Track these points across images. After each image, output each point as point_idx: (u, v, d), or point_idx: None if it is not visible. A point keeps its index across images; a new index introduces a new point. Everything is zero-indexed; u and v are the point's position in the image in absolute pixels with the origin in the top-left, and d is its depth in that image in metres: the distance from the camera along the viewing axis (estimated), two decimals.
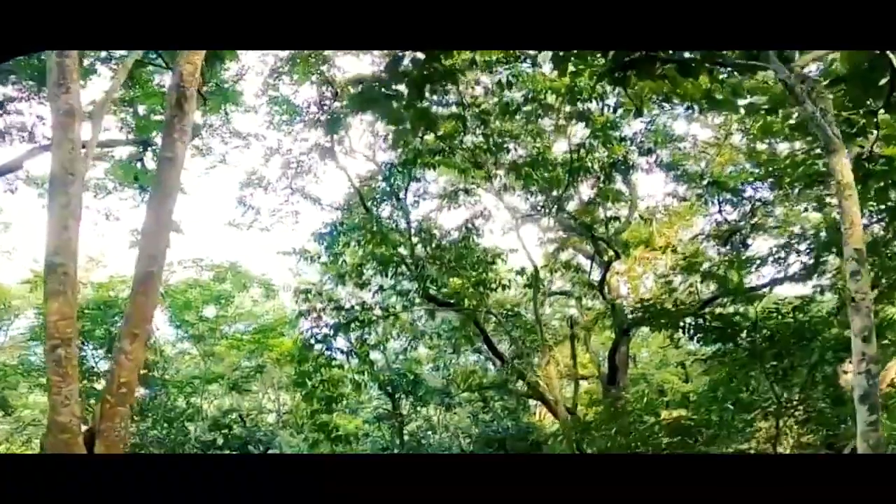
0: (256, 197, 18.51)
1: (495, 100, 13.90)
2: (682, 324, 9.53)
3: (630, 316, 10.01)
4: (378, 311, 15.27)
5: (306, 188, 18.31)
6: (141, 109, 17.71)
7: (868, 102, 8.45)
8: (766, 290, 13.21)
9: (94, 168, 18.64)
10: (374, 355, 18.79)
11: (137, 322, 6.63)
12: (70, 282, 6.52)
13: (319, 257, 15.31)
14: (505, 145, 13.99)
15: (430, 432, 22.13)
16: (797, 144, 11.21)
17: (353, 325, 14.46)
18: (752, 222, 12.70)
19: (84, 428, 6.82)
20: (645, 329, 23.83)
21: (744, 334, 9.34)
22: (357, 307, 14.98)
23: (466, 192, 14.87)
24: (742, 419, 9.22)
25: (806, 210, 12.18)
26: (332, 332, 14.62)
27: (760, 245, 12.44)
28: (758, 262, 12.08)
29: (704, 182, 12.01)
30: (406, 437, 20.80)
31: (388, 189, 16.55)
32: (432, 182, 17.69)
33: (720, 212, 13.36)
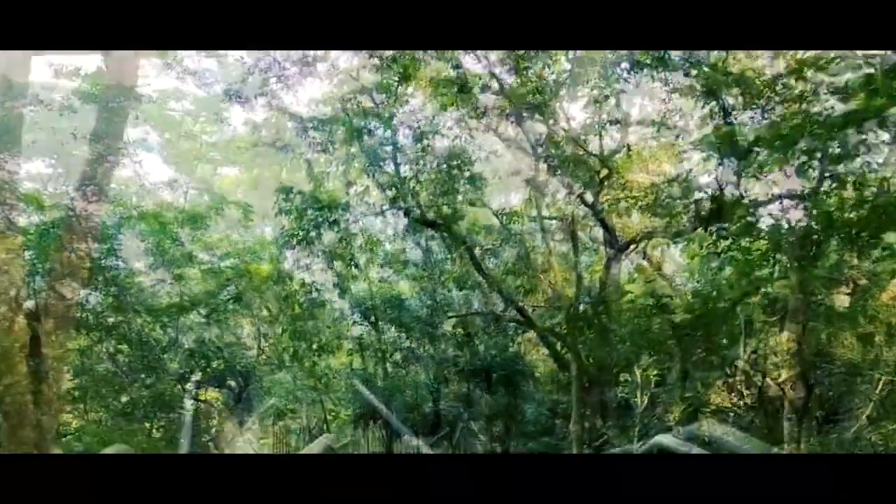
0: (234, 114, 17.65)
1: None
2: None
3: (639, 203, 9.30)
4: (361, 209, 14.51)
5: (287, 105, 17.46)
6: None
7: None
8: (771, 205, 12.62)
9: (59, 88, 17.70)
10: (357, 287, 18.14)
11: None
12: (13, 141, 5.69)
13: (301, 150, 14.50)
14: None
15: (414, 364, 21.61)
16: None
17: (335, 226, 13.70)
18: (763, 124, 11.90)
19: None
20: (630, 264, 23.54)
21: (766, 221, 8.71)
22: (340, 206, 14.22)
23: (462, 88, 13.96)
24: (759, 317, 8.66)
25: (828, 98, 11.41)
26: (314, 231, 13.84)
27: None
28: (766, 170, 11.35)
29: (719, 75, 11.13)
30: (390, 369, 20.28)
31: (373, 104, 15.68)
32: (420, 112, 16.92)
33: (726, 122, 12.50)
